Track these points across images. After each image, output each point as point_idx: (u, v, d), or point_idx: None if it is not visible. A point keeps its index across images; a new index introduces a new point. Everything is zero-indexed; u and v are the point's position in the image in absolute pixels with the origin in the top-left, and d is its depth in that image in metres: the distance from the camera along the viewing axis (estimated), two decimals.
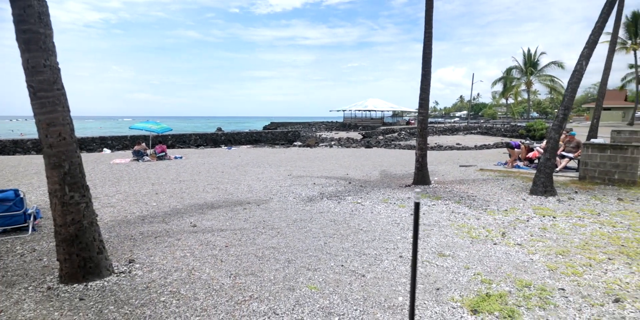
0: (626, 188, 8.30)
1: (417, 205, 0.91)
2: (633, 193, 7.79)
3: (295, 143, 27.57)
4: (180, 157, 15.76)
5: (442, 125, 44.36)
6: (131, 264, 4.12)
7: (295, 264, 4.13)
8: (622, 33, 41.32)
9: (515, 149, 11.64)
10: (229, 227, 5.58)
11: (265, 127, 47.52)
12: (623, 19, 41.08)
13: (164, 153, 15.24)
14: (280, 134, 31.46)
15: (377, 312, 3.10)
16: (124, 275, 3.83)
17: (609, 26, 16.66)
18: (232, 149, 22.03)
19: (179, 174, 10.91)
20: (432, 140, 26.42)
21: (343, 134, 34.74)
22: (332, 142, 26.70)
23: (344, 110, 52.79)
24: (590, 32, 8.14)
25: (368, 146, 23.76)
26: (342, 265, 4.08)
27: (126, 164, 13.39)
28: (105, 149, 20.62)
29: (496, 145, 22.82)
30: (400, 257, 4.34)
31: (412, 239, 0.89)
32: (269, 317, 3.01)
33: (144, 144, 15.44)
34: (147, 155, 14.93)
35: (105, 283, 3.65)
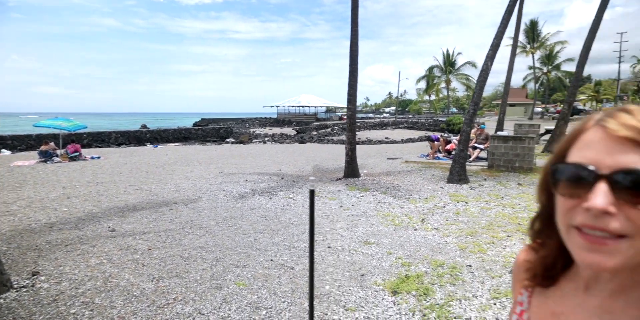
0: (525, 174, 9.48)
1: (312, 193, 0.96)
2: (530, 178, 8.92)
3: (227, 140, 26.78)
4: (98, 157, 14.41)
5: (373, 120, 46.34)
6: (35, 276, 3.70)
7: (224, 262, 4.06)
8: (522, 38, 46.82)
9: (435, 142, 12.62)
10: (153, 229, 5.27)
11: (195, 124, 45.34)
12: (523, 26, 46.40)
13: (77, 153, 13.81)
14: (212, 131, 30.31)
15: (304, 302, 3.18)
16: (25, 289, 3.43)
17: (511, 31, 18.74)
18: (159, 147, 20.72)
19: (96, 176, 9.99)
20: (362, 135, 27.48)
21: (277, 130, 34.56)
22: (266, 138, 26.45)
23: (277, 106, 52.49)
24: (494, 36, 9.10)
25: (302, 142, 23.96)
26: (272, 260, 4.10)
27: (31, 167, 11.89)
28: (3, 150, 18.04)
29: (420, 139, 24.50)
30: (329, 247, 4.49)
31: (309, 228, 0.93)
32: (193, 318, 2.93)
33: (52, 144, 13.82)
34: (57, 155, 13.40)
35: (2, 300, 3.24)
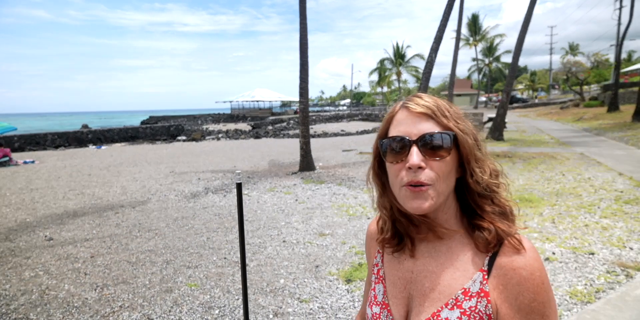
0: None
1: (239, 186, 0.94)
2: None
3: (179, 138, 25.71)
4: (33, 162, 13.23)
5: (328, 113, 46.69)
6: None
7: (175, 264, 3.92)
8: (465, 31, 49.24)
9: None
10: (96, 235, 4.96)
11: (143, 122, 43.00)
12: (465, 20, 48.74)
13: (7, 158, 12.59)
14: (162, 129, 28.92)
15: (258, 298, 3.17)
16: None
17: (455, 25, 19.60)
18: (103, 148, 19.44)
19: (31, 182, 9.18)
20: (318, 128, 27.62)
21: (231, 126, 33.75)
22: (220, 135, 25.74)
23: (231, 102, 51.19)
24: (437, 30, 9.48)
25: (257, 137, 23.62)
26: (225, 258, 4.03)
27: None
28: None
29: (375, 130, 25.10)
30: (284, 241, 4.49)
31: (238, 224, 0.91)
32: None
33: None
34: None
35: None
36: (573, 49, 53.92)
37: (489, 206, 0.72)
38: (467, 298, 0.69)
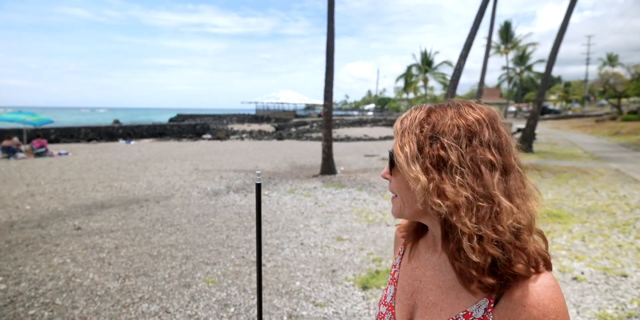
0: None
1: (258, 187, 0.94)
2: None
3: (204, 136, 26.31)
4: (66, 153, 13.86)
5: (351, 118, 46.59)
6: None
7: (194, 259, 3.99)
8: (496, 39, 48.13)
9: None
10: (121, 227, 5.12)
11: (171, 120, 44.26)
12: (497, 27, 47.66)
13: (44, 149, 13.23)
14: (188, 127, 29.68)
15: (274, 299, 3.18)
16: None
17: (486, 32, 19.18)
18: (132, 143, 20.13)
19: (64, 172, 9.61)
20: (342, 132, 27.59)
21: (255, 127, 34.22)
22: (244, 135, 26.15)
23: (256, 103, 51.96)
24: (467, 36, 9.30)
25: (280, 138, 23.83)
26: (243, 257, 4.07)
27: None
28: None
29: None
30: (302, 244, 4.49)
31: (256, 223, 0.92)
32: (159, 317, 2.87)
33: (16, 139, 13.18)
34: (21, 151, 12.79)
35: None
36: (612, 59, 51.67)
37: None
38: None
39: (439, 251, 0.73)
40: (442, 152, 0.64)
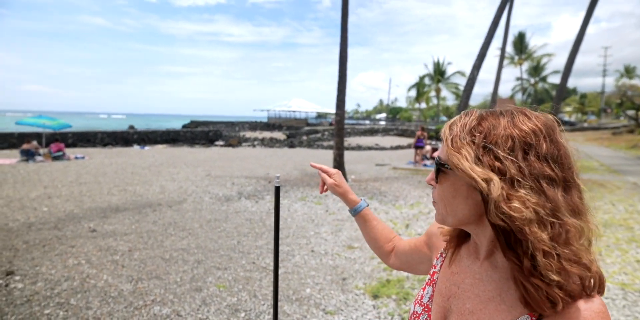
0: None
1: (277, 190, 0.98)
2: None
3: (216, 143, 26.63)
4: (83, 157, 14.18)
5: (363, 126, 46.63)
6: (9, 276, 3.61)
7: (205, 264, 4.03)
8: (510, 49, 47.91)
9: (420, 148, 12.77)
10: (135, 230, 5.20)
11: (184, 126, 44.97)
12: (511, 38, 47.46)
13: (61, 152, 13.57)
14: (201, 133, 30.11)
15: (284, 305, 3.18)
16: None
17: (500, 43, 19.17)
18: (146, 148, 20.48)
19: (80, 176, 9.82)
20: (353, 141, 27.61)
21: (267, 134, 34.50)
22: (256, 142, 26.37)
23: (268, 110, 52.47)
24: (480, 47, 9.31)
25: (291, 146, 23.96)
26: (254, 263, 4.08)
27: (12, 166, 11.64)
28: None
29: (409, 146, 24.74)
30: (312, 251, 4.49)
31: (274, 225, 0.95)
32: (171, 319, 2.90)
33: (35, 142, 13.55)
34: (39, 155, 13.14)
35: None
36: (629, 71, 50.86)
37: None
38: None
39: (480, 260, 0.71)
40: (497, 164, 0.60)
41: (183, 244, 4.64)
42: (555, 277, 0.56)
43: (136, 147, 21.00)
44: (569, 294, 0.58)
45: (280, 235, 5.07)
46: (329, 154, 17.92)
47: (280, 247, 4.60)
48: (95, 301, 3.17)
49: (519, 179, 0.58)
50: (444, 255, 0.84)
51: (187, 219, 5.84)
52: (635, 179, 10.22)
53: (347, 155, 14.30)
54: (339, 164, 9.27)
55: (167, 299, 3.24)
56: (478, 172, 0.59)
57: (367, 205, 1.13)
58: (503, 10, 9.81)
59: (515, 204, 0.57)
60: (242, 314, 3.01)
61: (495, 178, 0.58)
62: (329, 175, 1.12)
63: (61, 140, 15.81)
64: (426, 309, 0.80)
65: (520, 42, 48.06)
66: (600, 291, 0.61)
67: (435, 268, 0.84)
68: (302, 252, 4.47)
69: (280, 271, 3.88)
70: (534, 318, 0.60)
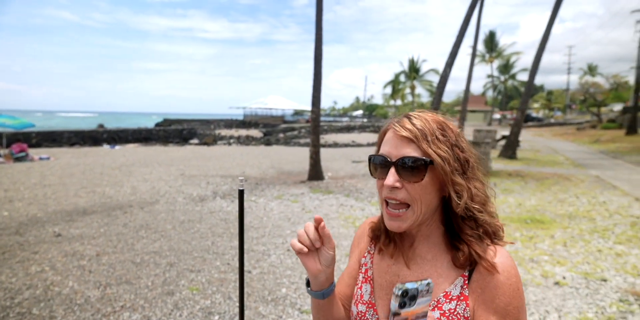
0: None
1: (240, 193, 0.94)
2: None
3: (191, 141, 26.05)
4: (48, 158, 13.52)
5: (339, 124, 46.81)
6: None
7: (178, 266, 3.92)
8: (482, 48, 49.22)
9: None
10: (104, 233, 5.00)
11: (157, 124, 43.66)
12: (482, 36, 48.68)
13: (24, 153, 12.90)
14: (175, 132, 29.36)
15: (259, 306, 3.14)
16: None
17: (472, 41, 19.64)
18: (117, 148, 19.77)
19: (44, 177, 9.37)
20: (329, 138, 27.66)
21: (243, 132, 34.05)
22: (231, 140, 25.98)
23: (244, 108, 51.78)
24: (452, 45, 9.50)
25: (268, 144, 23.76)
26: (229, 264, 4.01)
27: None
28: None
29: None
30: (288, 250, 4.46)
31: (238, 228, 0.92)
32: None
33: None
34: (0, 156, 12.44)
35: None
36: (592, 69, 53.37)
37: (469, 228, 0.76)
38: (447, 300, 0.74)
39: (414, 246, 0.82)
40: (464, 156, 0.76)
41: (155, 247, 4.51)
42: (484, 218, 0.76)
43: (106, 147, 20.25)
44: (484, 248, 0.74)
45: (256, 235, 5.00)
46: (306, 151, 17.88)
47: (256, 247, 4.55)
48: (60, 310, 3.02)
49: (474, 164, 0.78)
50: (371, 252, 0.89)
51: (160, 220, 5.68)
52: (597, 172, 10.75)
53: (324, 152, 14.30)
54: (315, 161, 9.25)
55: (137, 304, 3.13)
56: (458, 178, 0.74)
57: None
58: (474, 9, 10.03)
59: (474, 192, 0.76)
60: (216, 317, 2.95)
61: (469, 186, 0.76)
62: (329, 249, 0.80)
63: (24, 140, 15.03)
64: (370, 306, 0.83)
65: (491, 41, 49.48)
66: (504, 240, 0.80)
67: (366, 266, 0.88)
68: (278, 251, 4.43)
69: (255, 271, 3.83)
70: (465, 278, 0.75)
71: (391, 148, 0.75)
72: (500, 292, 0.71)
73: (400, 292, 0.63)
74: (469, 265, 0.75)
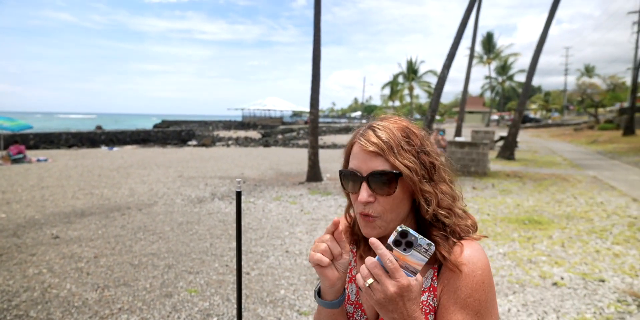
0: (479, 178, 9.94)
1: (238, 195, 0.94)
2: (484, 182, 9.36)
3: (189, 142, 26.01)
4: (46, 160, 13.48)
5: (338, 125, 46.83)
6: None
7: (176, 268, 3.91)
8: (480, 49, 49.40)
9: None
10: (102, 235, 4.99)
11: (155, 126, 43.60)
12: (480, 38, 48.84)
13: (22, 155, 12.85)
14: (173, 133, 29.32)
15: (257, 308, 3.13)
16: None
17: (469, 43, 19.71)
18: (115, 149, 19.73)
19: (42, 179, 9.34)
20: (328, 139, 27.68)
21: (242, 133, 34.04)
22: (230, 142, 25.96)
23: (242, 109, 51.78)
24: (450, 47, 9.53)
25: (266, 145, 23.75)
26: (227, 265, 4.01)
27: None
28: None
29: None
30: (287, 252, 4.46)
31: (235, 230, 0.92)
32: None
33: None
34: None
35: None
36: (589, 70, 53.61)
37: (436, 229, 0.78)
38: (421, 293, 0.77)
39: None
40: (429, 160, 0.78)
41: (153, 249, 4.50)
42: (451, 221, 0.77)
43: (104, 148, 20.21)
44: (449, 248, 0.76)
45: (255, 237, 5.00)
46: (305, 153, 17.88)
47: (254, 248, 4.54)
48: (57, 312, 3.01)
49: (441, 168, 0.80)
50: (354, 250, 0.90)
51: (158, 222, 5.66)
52: (594, 173, 10.79)
53: (323, 153, 14.30)
54: (313, 162, 9.26)
55: (135, 306, 3.12)
56: (427, 187, 0.76)
57: None
58: (471, 11, 10.07)
59: (441, 197, 0.78)
60: (215, 319, 2.94)
61: (439, 194, 0.78)
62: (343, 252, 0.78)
63: (21, 142, 14.97)
64: (357, 306, 0.84)
65: (489, 42, 49.65)
66: (475, 230, 0.82)
67: (349, 264, 0.88)
68: (277, 253, 4.42)
69: (253, 273, 3.82)
70: (435, 270, 0.77)
71: (360, 162, 0.76)
72: (463, 284, 0.73)
73: (400, 230, 0.65)
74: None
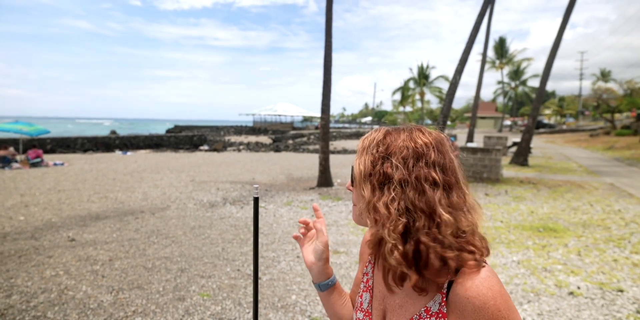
0: (492, 184, 9.81)
1: (256, 200, 0.97)
2: (497, 189, 9.24)
3: (201, 147, 26.29)
4: (62, 164, 13.79)
5: (349, 130, 46.83)
6: None
7: (189, 272, 3.95)
8: (492, 54, 48.99)
9: None
10: (116, 239, 5.08)
11: (168, 131, 44.25)
12: (492, 43, 48.47)
13: (39, 159, 13.18)
14: (185, 138, 29.69)
15: (269, 313, 3.14)
16: None
17: (482, 48, 19.60)
18: (128, 154, 20.07)
19: (59, 183, 9.55)
20: (339, 144, 27.69)
21: (252, 138, 34.29)
22: (241, 147, 26.17)
23: (254, 115, 52.20)
24: (462, 52, 9.49)
25: (277, 150, 23.87)
26: (239, 270, 4.03)
27: None
28: None
29: None
30: (298, 257, 4.46)
31: (253, 239, 0.94)
32: None
33: (11, 149, 13.12)
34: (16, 161, 12.72)
35: None
36: (605, 75, 52.62)
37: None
38: (427, 316, 0.75)
39: None
40: (389, 170, 0.74)
41: (166, 252, 4.55)
42: (393, 262, 0.71)
43: (118, 153, 20.56)
44: (457, 267, 0.70)
45: (266, 241, 5.02)
46: (315, 158, 17.91)
47: (266, 253, 4.56)
48: (74, 314, 3.06)
49: (397, 183, 0.73)
50: (372, 262, 0.92)
51: (171, 226, 5.73)
52: (611, 180, 10.55)
53: (334, 158, 14.31)
54: (324, 167, 9.27)
55: (148, 309, 3.16)
56: (361, 188, 0.77)
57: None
58: (484, 16, 10.03)
59: (380, 206, 0.72)
60: None
61: (368, 195, 0.75)
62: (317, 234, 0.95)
63: (39, 146, 15.38)
64: (367, 314, 0.87)
65: (501, 47, 49.20)
66: (487, 253, 0.75)
67: (368, 275, 0.92)
68: (288, 258, 4.43)
69: (265, 278, 3.84)
70: (443, 295, 0.73)
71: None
72: (481, 316, 0.69)
73: None
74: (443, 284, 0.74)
